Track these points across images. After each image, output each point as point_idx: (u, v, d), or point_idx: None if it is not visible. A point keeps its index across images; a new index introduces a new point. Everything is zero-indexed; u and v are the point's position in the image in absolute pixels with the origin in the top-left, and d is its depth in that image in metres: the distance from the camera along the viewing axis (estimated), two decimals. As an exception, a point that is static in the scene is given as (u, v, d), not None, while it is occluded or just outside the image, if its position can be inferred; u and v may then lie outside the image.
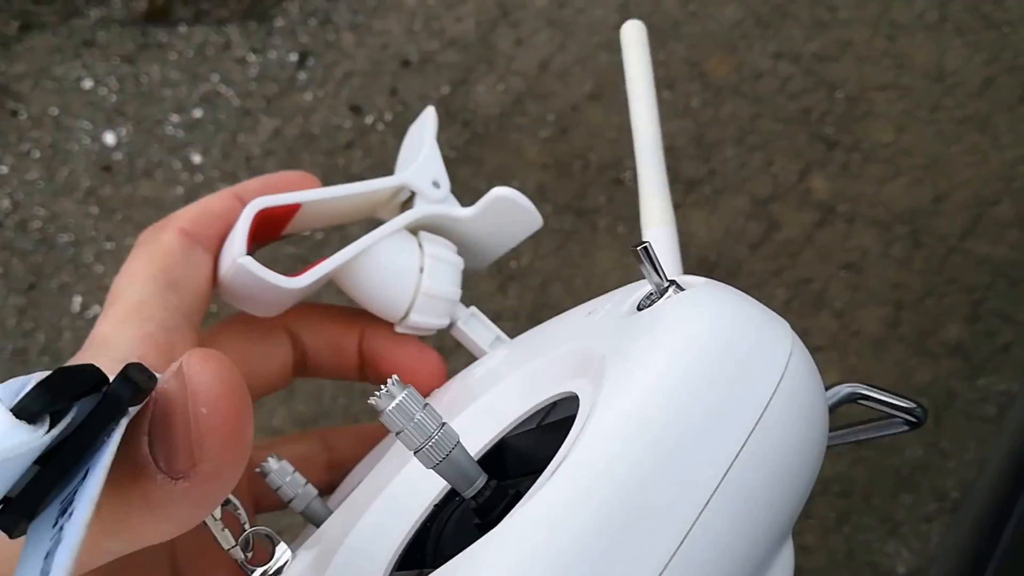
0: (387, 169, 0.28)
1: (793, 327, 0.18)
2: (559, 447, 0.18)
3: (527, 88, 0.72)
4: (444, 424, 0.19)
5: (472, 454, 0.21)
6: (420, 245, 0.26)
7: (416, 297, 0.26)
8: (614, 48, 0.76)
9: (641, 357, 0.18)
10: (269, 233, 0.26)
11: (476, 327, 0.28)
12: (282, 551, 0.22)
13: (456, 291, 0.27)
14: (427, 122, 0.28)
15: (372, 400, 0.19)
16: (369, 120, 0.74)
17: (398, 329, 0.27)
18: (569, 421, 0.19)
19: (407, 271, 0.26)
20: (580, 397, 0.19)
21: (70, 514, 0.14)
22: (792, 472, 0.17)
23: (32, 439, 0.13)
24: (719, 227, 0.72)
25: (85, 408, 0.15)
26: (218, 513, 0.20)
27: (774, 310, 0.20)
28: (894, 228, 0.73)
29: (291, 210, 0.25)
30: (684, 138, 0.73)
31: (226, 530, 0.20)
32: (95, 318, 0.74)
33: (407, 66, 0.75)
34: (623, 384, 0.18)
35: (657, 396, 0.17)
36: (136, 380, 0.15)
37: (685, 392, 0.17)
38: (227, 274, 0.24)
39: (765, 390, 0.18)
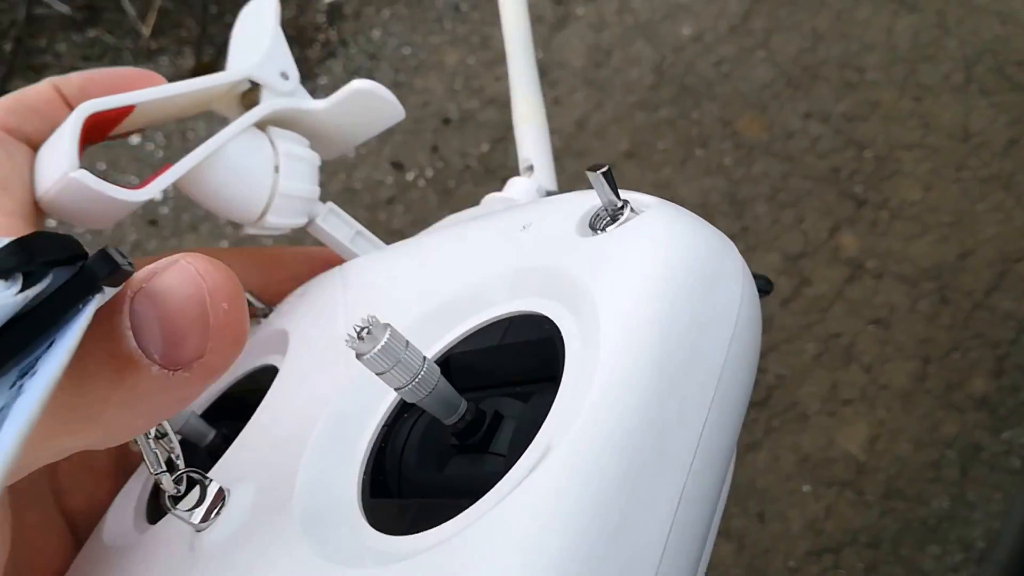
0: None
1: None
2: (535, 367, 0.19)
3: (564, 145, 0.74)
4: (426, 359, 0.19)
5: None
6: (272, 142, 0.24)
7: (272, 198, 0.24)
8: (649, 107, 0.78)
9: (631, 291, 0.18)
10: (96, 136, 0.23)
11: (336, 223, 0.26)
12: (214, 489, 0.21)
13: (314, 189, 0.25)
14: (265, 9, 0.26)
15: (350, 343, 0.18)
16: (410, 176, 0.75)
17: (251, 230, 0.25)
18: (543, 344, 0.19)
19: (261, 171, 0.24)
20: (558, 323, 0.19)
21: (32, 374, 0.13)
22: (753, 369, 0.19)
23: (3, 295, 0.13)
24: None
25: (59, 279, 0.14)
26: (152, 433, 0.19)
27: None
28: (921, 284, 0.75)
29: (123, 112, 0.23)
30: (717, 195, 0.75)
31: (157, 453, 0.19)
32: None
33: (448, 124, 0.77)
34: (622, 323, 0.18)
35: (658, 332, 0.18)
36: (116, 260, 0.14)
37: (680, 321, 0.18)
38: (54, 188, 0.22)
39: (734, 301, 0.19)
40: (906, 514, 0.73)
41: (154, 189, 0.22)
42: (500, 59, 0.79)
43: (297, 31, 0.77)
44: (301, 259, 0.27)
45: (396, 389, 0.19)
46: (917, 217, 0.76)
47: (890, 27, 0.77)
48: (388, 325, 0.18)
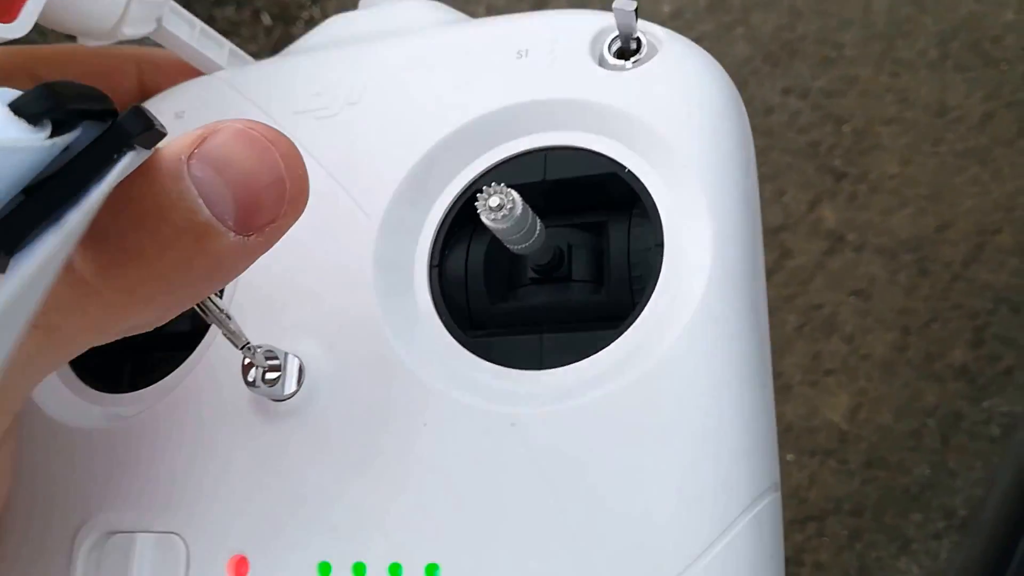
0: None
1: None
2: (603, 200, 0.21)
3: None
4: (534, 215, 0.20)
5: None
6: None
7: (129, 4, 0.23)
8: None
9: (703, 126, 0.21)
10: None
11: (179, 23, 0.25)
12: (293, 360, 0.22)
13: None
14: None
15: (481, 205, 0.19)
16: None
17: (93, 44, 0.24)
18: (610, 177, 0.21)
19: None
20: (616, 158, 0.22)
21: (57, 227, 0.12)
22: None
23: (30, 139, 0.12)
24: (733, 255, 0.75)
25: (89, 134, 0.14)
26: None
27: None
28: (900, 256, 0.76)
29: None
30: (699, 170, 0.75)
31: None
32: None
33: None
34: (711, 162, 0.21)
35: (742, 167, 0.21)
36: (150, 118, 0.14)
37: (747, 153, 0.22)
38: None
39: (745, 119, 0.23)
40: (888, 482, 0.75)
41: (29, 18, 0.20)
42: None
43: (280, 8, 0.78)
44: (146, 65, 0.26)
45: (505, 240, 0.20)
46: (895, 190, 0.77)
47: (867, 4, 0.78)
48: (509, 190, 0.19)
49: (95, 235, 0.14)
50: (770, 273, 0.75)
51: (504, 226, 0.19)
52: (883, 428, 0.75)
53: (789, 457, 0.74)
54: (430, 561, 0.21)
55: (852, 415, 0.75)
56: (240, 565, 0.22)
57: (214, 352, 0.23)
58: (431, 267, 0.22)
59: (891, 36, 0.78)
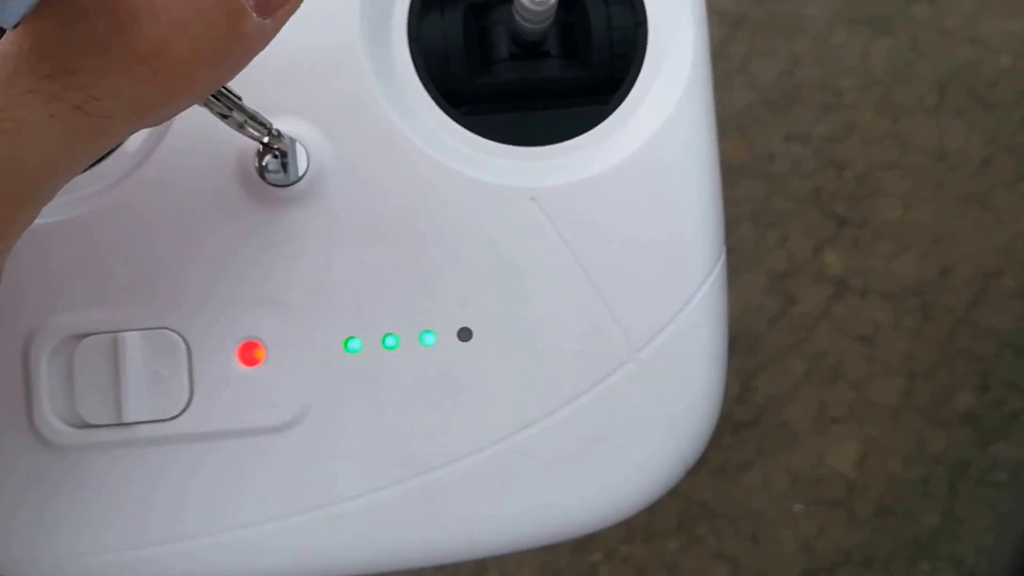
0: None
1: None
2: None
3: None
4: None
5: None
6: None
7: None
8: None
9: None
10: None
11: None
12: (300, 147, 0.21)
13: None
14: None
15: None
16: None
17: None
18: None
19: None
20: None
21: None
22: None
23: None
24: (738, 303, 0.74)
25: None
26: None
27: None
28: (904, 301, 0.76)
29: None
30: (702, 217, 0.75)
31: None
32: None
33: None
34: None
35: None
36: None
37: None
38: None
39: None
40: (897, 531, 0.74)
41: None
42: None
43: None
44: None
45: (532, 22, 0.21)
46: (898, 235, 0.77)
47: (865, 51, 0.79)
48: None
49: (148, 14, 0.15)
50: (775, 320, 0.75)
51: (542, 8, 0.20)
52: (891, 476, 0.74)
53: (797, 507, 0.73)
54: (462, 325, 0.22)
55: (860, 463, 0.74)
56: (251, 349, 0.22)
57: (181, 130, 0.22)
58: (410, 42, 0.23)
59: (890, 82, 0.78)
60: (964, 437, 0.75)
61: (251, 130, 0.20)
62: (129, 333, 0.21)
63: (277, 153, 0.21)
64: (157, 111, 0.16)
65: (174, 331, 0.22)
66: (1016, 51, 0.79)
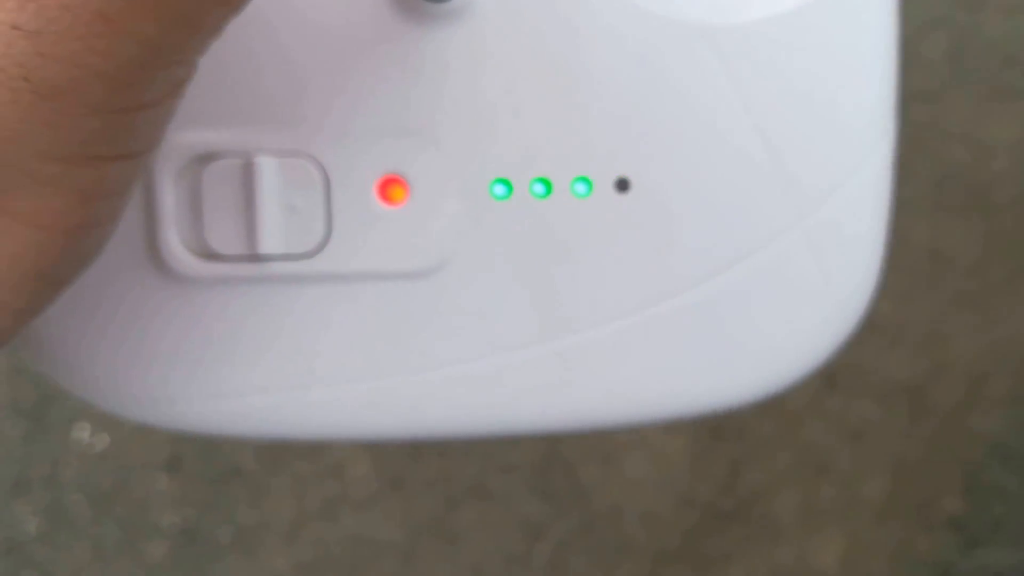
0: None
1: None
2: None
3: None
4: None
5: None
6: None
7: None
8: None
9: None
10: None
11: None
12: None
13: None
14: None
15: None
16: None
17: None
18: None
19: None
20: None
21: None
22: None
23: None
24: (728, 391, 0.74)
25: None
26: None
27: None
28: (893, 398, 0.76)
29: None
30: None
31: None
32: (102, 449, 0.73)
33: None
34: None
35: None
36: None
37: None
38: None
39: None
40: (879, 635, 0.73)
41: None
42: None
43: None
44: None
45: None
46: (889, 333, 0.78)
47: (864, 148, 0.80)
48: None
49: None
50: (763, 412, 0.75)
51: None
52: (874, 576, 0.73)
53: (779, 603, 0.72)
54: (620, 175, 0.20)
55: (844, 561, 0.73)
56: (392, 185, 0.20)
57: None
58: None
59: (887, 180, 0.79)
60: (950, 540, 0.74)
61: None
62: (265, 158, 0.20)
63: None
64: None
65: (313, 159, 0.20)
66: (1012, 155, 0.80)
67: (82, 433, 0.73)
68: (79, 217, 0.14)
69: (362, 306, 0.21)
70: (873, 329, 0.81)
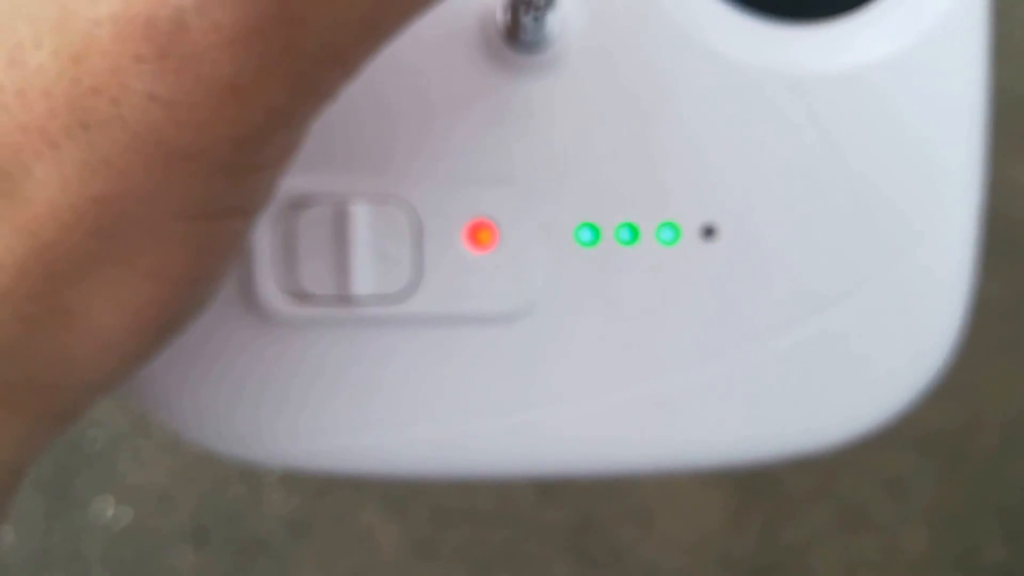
0: None
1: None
2: None
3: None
4: None
5: None
6: None
7: None
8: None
9: None
10: None
11: None
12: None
13: None
14: None
15: None
16: None
17: None
18: None
19: None
20: None
21: None
22: None
23: None
24: (762, 444, 0.73)
25: None
26: None
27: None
28: (931, 448, 0.75)
29: None
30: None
31: None
32: (126, 522, 0.72)
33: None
34: None
35: None
36: None
37: None
38: None
39: None
40: None
41: None
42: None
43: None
44: None
45: None
46: (923, 379, 0.77)
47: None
48: None
49: None
50: (798, 466, 0.73)
51: None
52: (920, 631, 0.72)
53: (823, 663, 0.71)
54: (707, 221, 0.21)
55: (887, 616, 0.72)
56: (481, 230, 0.21)
57: None
58: None
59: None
60: (994, 591, 0.73)
61: None
62: (358, 205, 0.20)
63: (536, 14, 0.19)
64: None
65: (404, 203, 0.20)
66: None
67: (105, 506, 0.72)
68: (197, 270, 0.15)
69: (450, 350, 0.21)
70: (905, 376, 0.80)
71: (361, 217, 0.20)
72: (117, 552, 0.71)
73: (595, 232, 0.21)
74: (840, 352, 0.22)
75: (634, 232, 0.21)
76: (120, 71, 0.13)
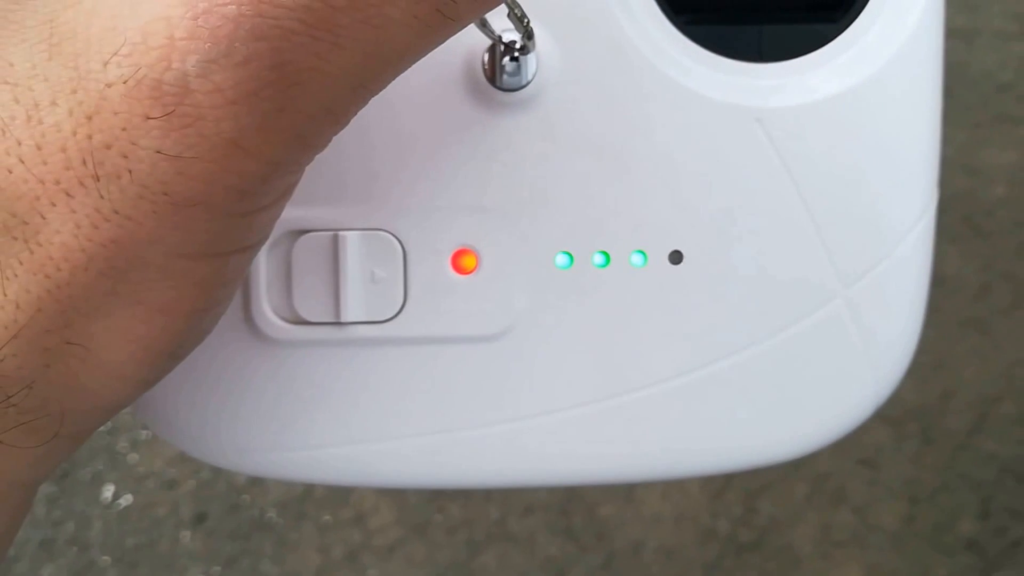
0: None
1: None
2: None
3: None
4: None
5: None
6: None
7: None
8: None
9: None
10: None
11: None
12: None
13: None
14: None
15: None
16: None
17: None
18: None
19: None
20: None
21: None
22: None
23: None
24: (742, 424, 0.75)
25: None
26: None
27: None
28: (906, 425, 0.77)
29: None
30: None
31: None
32: (126, 508, 0.73)
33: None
34: None
35: None
36: None
37: None
38: None
39: None
40: (902, 660, 0.73)
41: None
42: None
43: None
44: None
45: None
46: (898, 359, 0.78)
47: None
48: None
49: None
50: (779, 443, 0.75)
51: None
52: (895, 603, 0.74)
53: (801, 633, 0.73)
54: (674, 248, 0.22)
55: (863, 589, 0.74)
56: (464, 256, 0.22)
57: None
58: None
59: (889, 209, 0.80)
60: (967, 564, 0.75)
61: (491, 28, 0.20)
62: (349, 232, 0.21)
63: (517, 55, 0.21)
64: (480, 13, 0.16)
65: (392, 234, 0.22)
66: (1010, 181, 0.82)
67: (106, 493, 0.73)
68: (201, 303, 0.16)
69: (435, 367, 0.22)
70: (882, 356, 0.81)
71: (351, 244, 0.21)
72: (118, 537, 0.73)
73: (571, 258, 0.22)
74: (796, 370, 0.23)
75: (607, 258, 0.22)
76: (130, 128, 0.14)
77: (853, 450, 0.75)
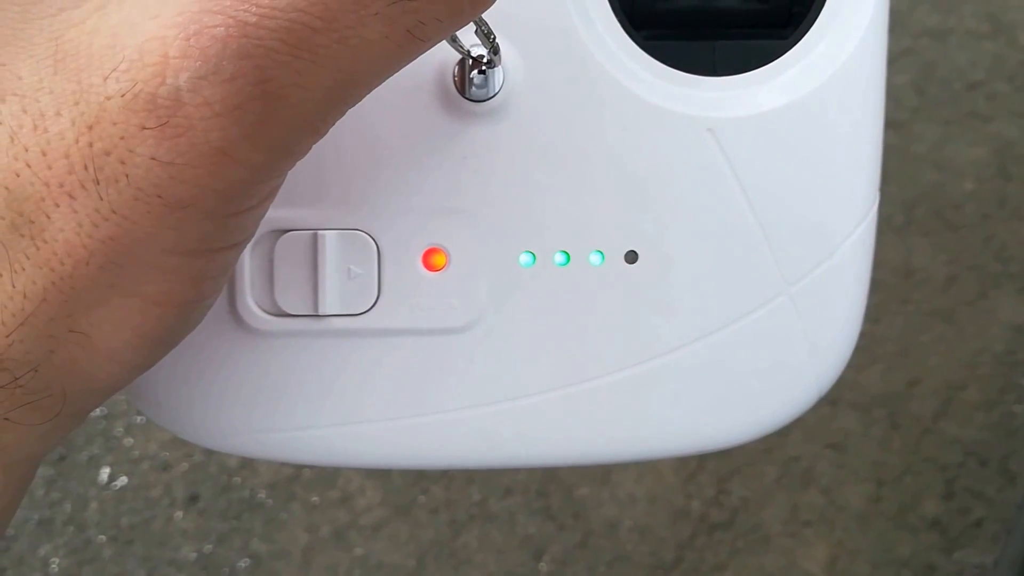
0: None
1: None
2: None
3: None
4: None
5: None
6: None
7: None
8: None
9: None
10: None
11: None
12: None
13: None
14: None
15: None
16: None
17: None
18: None
19: None
20: None
21: None
22: None
23: None
24: (715, 409, 0.77)
25: None
26: None
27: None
28: (873, 410, 0.79)
29: None
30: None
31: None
32: (122, 489, 0.75)
33: None
34: None
35: None
36: None
37: None
38: None
39: None
40: (866, 635, 0.75)
41: None
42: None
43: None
44: None
45: None
46: (866, 348, 0.81)
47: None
48: None
49: None
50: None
51: None
52: (860, 580, 0.76)
53: (770, 609, 0.75)
54: (630, 248, 0.24)
55: (830, 566, 0.76)
56: (434, 255, 0.23)
57: None
58: None
59: (860, 202, 0.82)
60: (931, 543, 0.77)
61: (461, 44, 0.21)
62: (327, 232, 0.23)
63: (484, 68, 0.22)
64: (448, 33, 0.17)
65: (367, 234, 0.23)
66: (979, 176, 0.84)
67: (103, 475, 0.75)
68: (192, 295, 0.18)
69: (406, 356, 0.24)
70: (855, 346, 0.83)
71: (329, 243, 0.23)
72: (114, 517, 0.74)
73: (534, 257, 0.24)
74: (745, 361, 0.24)
75: (567, 257, 0.24)
76: (127, 137, 0.15)
77: (822, 435, 0.77)
